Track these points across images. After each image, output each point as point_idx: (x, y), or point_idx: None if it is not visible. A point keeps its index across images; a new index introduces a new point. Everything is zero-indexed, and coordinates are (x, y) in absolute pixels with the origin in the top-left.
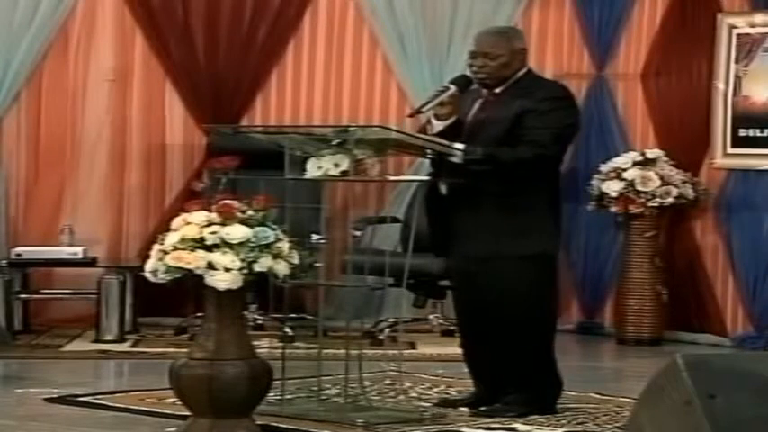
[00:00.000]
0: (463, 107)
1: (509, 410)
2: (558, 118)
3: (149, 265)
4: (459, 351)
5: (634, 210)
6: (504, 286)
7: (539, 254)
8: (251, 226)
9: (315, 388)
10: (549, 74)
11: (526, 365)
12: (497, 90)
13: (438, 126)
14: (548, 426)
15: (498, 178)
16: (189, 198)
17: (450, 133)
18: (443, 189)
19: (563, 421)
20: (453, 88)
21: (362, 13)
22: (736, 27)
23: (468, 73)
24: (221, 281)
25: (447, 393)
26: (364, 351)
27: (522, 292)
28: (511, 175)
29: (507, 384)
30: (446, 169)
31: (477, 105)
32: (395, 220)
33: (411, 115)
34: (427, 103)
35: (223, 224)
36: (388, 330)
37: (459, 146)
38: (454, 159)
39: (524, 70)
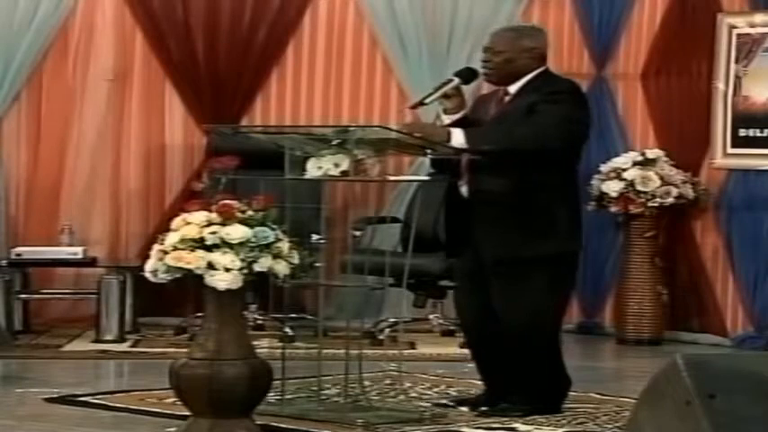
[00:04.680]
0: (488, 109)
1: (515, 410)
2: (564, 110)
3: (149, 265)
4: (459, 351)
5: (634, 210)
6: (517, 289)
7: (554, 255)
8: (251, 226)
9: (315, 388)
10: None
11: (536, 366)
12: (512, 90)
13: (447, 120)
14: (548, 426)
15: (503, 170)
16: (189, 198)
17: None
18: (464, 191)
19: (563, 421)
20: (457, 80)
21: (362, 13)
22: (736, 27)
23: (478, 67)
24: (221, 281)
25: (447, 393)
26: (364, 351)
27: (533, 294)
28: (509, 157)
29: (514, 384)
30: (464, 169)
31: (494, 107)
32: (395, 220)
33: (413, 107)
34: (430, 94)
35: (223, 224)
36: (388, 330)
37: (457, 130)
38: (453, 144)
39: (540, 69)
